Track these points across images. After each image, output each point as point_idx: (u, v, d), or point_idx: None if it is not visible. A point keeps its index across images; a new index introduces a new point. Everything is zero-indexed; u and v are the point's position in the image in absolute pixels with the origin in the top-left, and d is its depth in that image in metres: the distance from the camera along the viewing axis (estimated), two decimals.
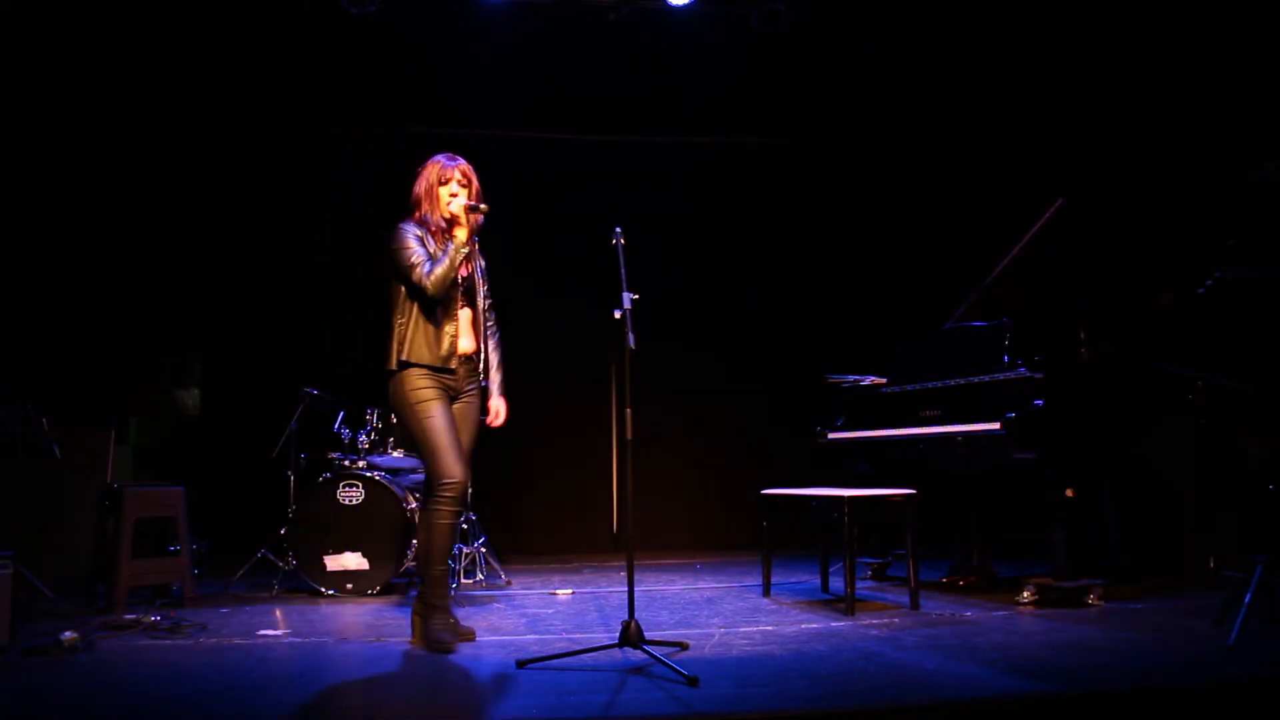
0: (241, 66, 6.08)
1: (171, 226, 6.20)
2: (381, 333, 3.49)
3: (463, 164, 3.56)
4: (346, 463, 4.90)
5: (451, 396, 3.53)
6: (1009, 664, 2.92)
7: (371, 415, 4.98)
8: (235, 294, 6.37)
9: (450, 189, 3.49)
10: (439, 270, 3.39)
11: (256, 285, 6.40)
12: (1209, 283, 3.34)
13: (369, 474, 4.73)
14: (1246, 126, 4.98)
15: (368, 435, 4.94)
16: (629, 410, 3.31)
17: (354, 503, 4.66)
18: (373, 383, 5.60)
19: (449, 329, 3.48)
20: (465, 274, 3.54)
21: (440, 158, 3.55)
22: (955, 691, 2.63)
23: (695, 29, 6.17)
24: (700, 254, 6.89)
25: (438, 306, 3.47)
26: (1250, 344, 3.68)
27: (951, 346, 4.54)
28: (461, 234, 3.44)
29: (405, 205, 3.57)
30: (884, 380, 4.80)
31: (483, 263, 3.67)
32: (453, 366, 3.47)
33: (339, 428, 5.03)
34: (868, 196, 6.88)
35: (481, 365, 3.59)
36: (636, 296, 3.44)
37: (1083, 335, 4.24)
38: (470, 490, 3.60)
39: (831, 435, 4.88)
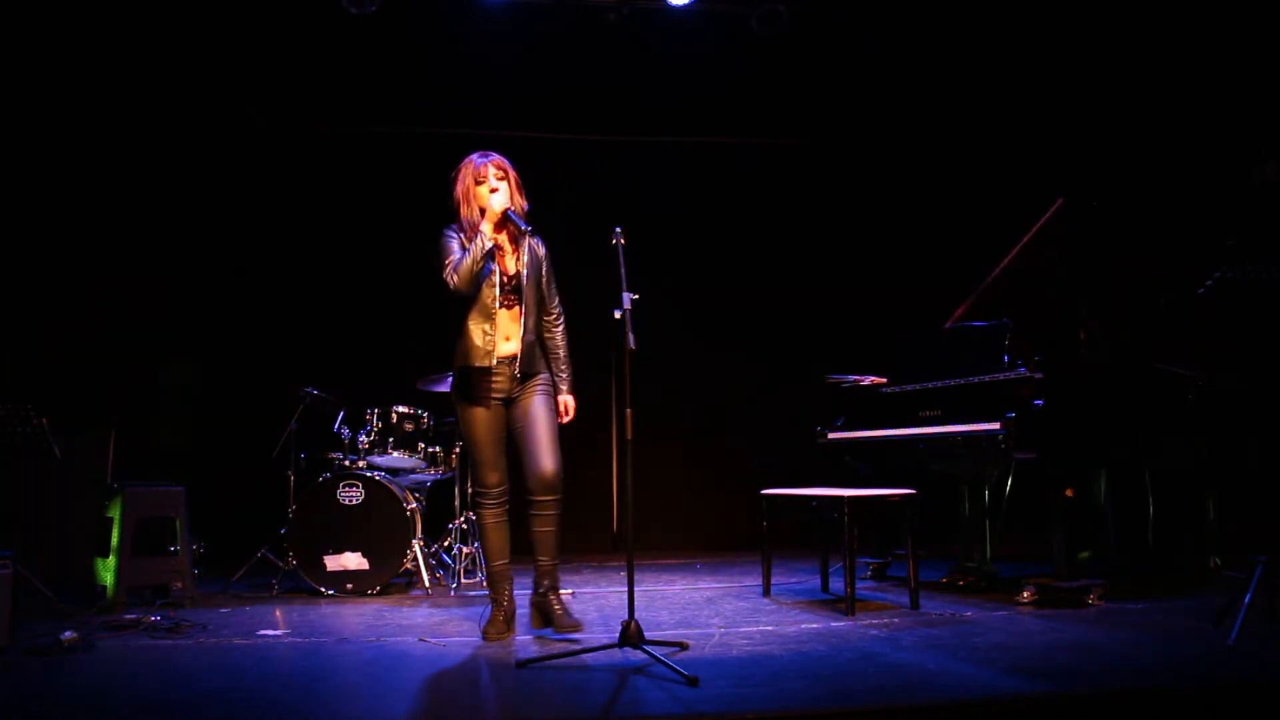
0: (241, 66, 6.08)
1: (172, 227, 6.20)
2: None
3: (495, 158, 3.54)
4: (346, 463, 4.90)
5: (502, 398, 3.51)
6: (1009, 664, 2.91)
7: (371, 415, 4.97)
8: (234, 294, 6.37)
9: (489, 185, 3.48)
10: (464, 263, 3.37)
11: (256, 285, 6.40)
12: (1209, 283, 3.33)
13: (369, 474, 4.73)
14: (1246, 126, 4.98)
15: (368, 435, 4.93)
16: (629, 410, 3.31)
17: (354, 503, 4.66)
18: (372, 383, 5.68)
19: (488, 329, 3.46)
20: (512, 272, 3.52)
21: (473, 157, 3.54)
22: (955, 691, 2.63)
23: (695, 29, 6.17)
24: (699, 254, 6.89)
25: (474, 306, 3.46)
26: (1250, 344, 3.68)
27: (951, 346, 4.54)
28: (487, 227, 3.42)
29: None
30: (884, 380, 4.80)
31: (540, 256, 3.60)
32: (490, 365, 3.45)
33: (339, 428, 5.03)
34: (868, 196, 6.88)
35: (531, 363, 3.51)
36: (636, 296, 3.44)
37: (1083, 335, 4.24)
38: (557, 481, 3.46)
39: (832, 435, 4.88)
